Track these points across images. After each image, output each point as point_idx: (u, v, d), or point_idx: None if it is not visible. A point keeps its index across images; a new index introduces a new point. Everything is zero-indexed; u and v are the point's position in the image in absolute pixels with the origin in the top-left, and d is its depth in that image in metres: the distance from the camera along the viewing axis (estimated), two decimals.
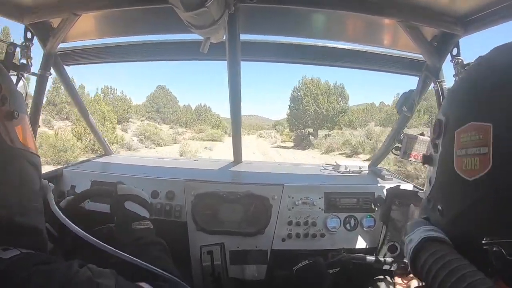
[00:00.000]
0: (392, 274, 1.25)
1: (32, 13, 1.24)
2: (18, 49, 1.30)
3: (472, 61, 1.21)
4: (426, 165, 0.61)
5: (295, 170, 1.97)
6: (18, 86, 1.28)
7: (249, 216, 1.45)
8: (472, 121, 0.46)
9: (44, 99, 1.61)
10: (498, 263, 0.41)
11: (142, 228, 0.86)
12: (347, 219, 1.47)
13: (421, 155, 1.33)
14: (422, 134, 1.41)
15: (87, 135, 13.87)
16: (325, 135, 24.99)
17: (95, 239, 0.68)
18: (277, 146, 28.05)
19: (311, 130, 28.53)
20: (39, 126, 1.58)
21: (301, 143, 25.59)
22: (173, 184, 1.48)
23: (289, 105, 31.18)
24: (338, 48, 1.52)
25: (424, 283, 0.50)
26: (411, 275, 1.05)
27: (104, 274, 0.55)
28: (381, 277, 1.31)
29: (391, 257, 1.27)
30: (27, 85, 1.35)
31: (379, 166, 1.96)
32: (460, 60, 1.24)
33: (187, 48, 1.54)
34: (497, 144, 0.42)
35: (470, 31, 1.16)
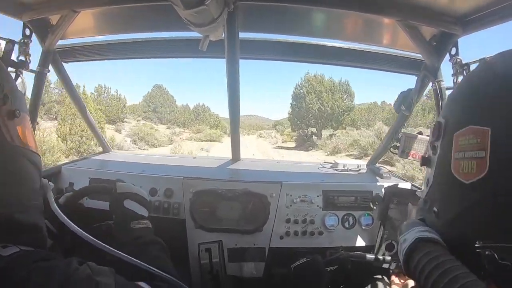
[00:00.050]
0: (389, 273, 1.26)
1: (31, 10, 1.24)
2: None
3: (471, 61, 1.22)
4: (424, 167, 0.61)
5: (293, 168, 1.97)
6: (17, 83, 1.27)
7: (247, 213, 1.45)
8: (471, 125, 0.46)
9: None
10: (491, 267, 0.42)
11: (141, 227, 0.86)
12: (345, 217, 1.47)
13: (419, 154, 1.34)
14: (420, 133, 1.42)
15: (73, 136, 12.85)
16: (329, 135, 23.91)
17: (94, 239, 0.68)
18: (279, 147, 26.77)
19: (314, 130, 27.23)
20: (38, 123, 1.57)
21: (304, 143, 24.78)
22: (171, 182, 1.48)
23: (291, 104, 29.65)
24: (337, 46, 1.52)
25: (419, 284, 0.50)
26: None
27: (103, 272, 0.55)
28: (379, 275, 1.31)
29: (389, 255, 1.28)
30: (25, 83, 1.34)
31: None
32: (458, 60, 1.25)
33: (186, 46, 1.54)
34: (494, 149, 0.42)
35: (469, 31, 1.16)
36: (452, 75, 1.28)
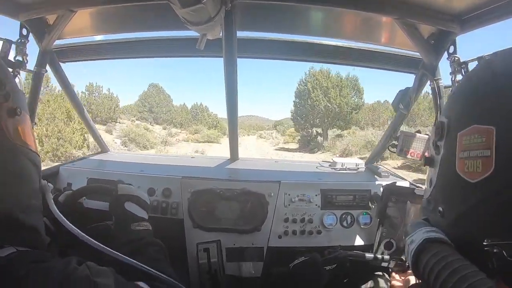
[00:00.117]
0: (388, 271, 1.26)
1: (27, 10, 1.24)
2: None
3: (469, 59, 1.22)
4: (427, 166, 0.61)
5: (291, 167, 1.97)
6: None
7: (245, 213, 1.45)
8: (475, 124, 0.46)
9: None
10: (499, 264, 0.42)
11: (141, 229, 0.86)
12: (343, 216, 1.47)
13: (418, 153, 1.34)
14: (418, 131, 1.42)
15: (49, 138, 11.42)
16: (336, 135, 21.69)
17: (93, 240, 0.68)
18: (281, 149, 25.02)
19: (319, 130, 24.72)
20: (36, 124, 1.57)
21: (308, 144, 23.25)
22: (169, 181, 1.48)
23: (293, 101, 26.91)
24: (334, 45, 1.52)
25: (422, 282, 0.51)
26: (408, 271, 1.06)
27: (103, 273, 0.54)
28: (378, 273, 1.32)
29: (388, 254, 1.28)
30: (23, 83, 1.34)
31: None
32: (456, 58, 1.25)
33: (183, 45, 1.54)
34: (500, 147, 0.42)
35: (467, 29, 1.16)
36: (450, 73, 1.28)
